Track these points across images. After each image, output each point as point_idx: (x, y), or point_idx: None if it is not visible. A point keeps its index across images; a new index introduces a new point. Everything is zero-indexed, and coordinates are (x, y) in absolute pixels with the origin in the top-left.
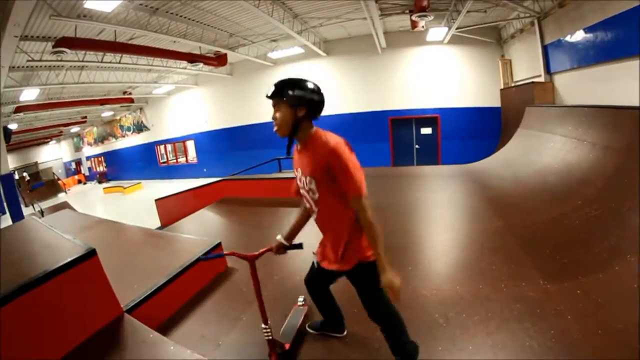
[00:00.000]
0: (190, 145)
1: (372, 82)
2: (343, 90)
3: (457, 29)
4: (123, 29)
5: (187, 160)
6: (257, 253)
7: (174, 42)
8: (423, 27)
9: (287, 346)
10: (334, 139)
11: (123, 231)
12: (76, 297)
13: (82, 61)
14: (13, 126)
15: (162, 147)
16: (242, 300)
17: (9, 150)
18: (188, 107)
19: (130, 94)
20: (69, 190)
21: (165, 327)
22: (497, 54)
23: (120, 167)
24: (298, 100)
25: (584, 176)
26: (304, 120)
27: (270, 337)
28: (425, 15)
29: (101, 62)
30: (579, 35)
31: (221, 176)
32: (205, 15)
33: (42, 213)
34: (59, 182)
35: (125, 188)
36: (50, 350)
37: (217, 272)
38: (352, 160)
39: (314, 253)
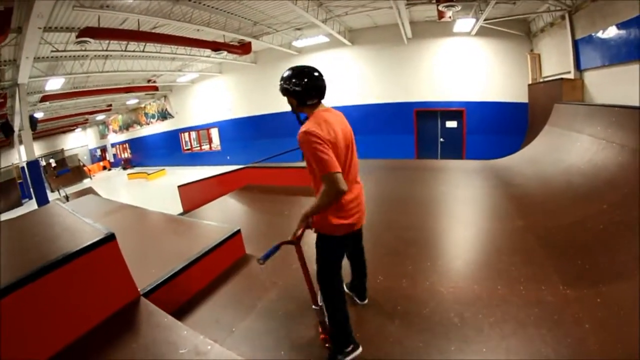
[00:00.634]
0: (214, 133)
1: (397, 72)
2: (368, 81)
3: (485, 20)
4: (146, 18)
5: (210, 148)
6: (298, 234)
7: (198, 30)
8: (450, 17)
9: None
10: (305, 126)
11: (144, 216)
12: (94, 279)
13: (106, 50)
14: (39, 115)
15: (186, 134)
16: (259, 288)
17: (36, 138)
18: (212, 95)
19: (154, 82)
20: (94, 176)
21: (181, 311)
22: (526, 48)
23: (144, 154)
24: (284, 92)
25: (611, 179)
26: (301, 107)
27: (323, 319)
28: (452, 6)
29: (125, 50)
30: (612, 31)
31: (244, 164)
32: (228, 3)
33: (67, 198)
34: (85, 168)
35: (149, 174)
36: (68, 331)
37: (235, 258)
38: (313, 147)
39: None
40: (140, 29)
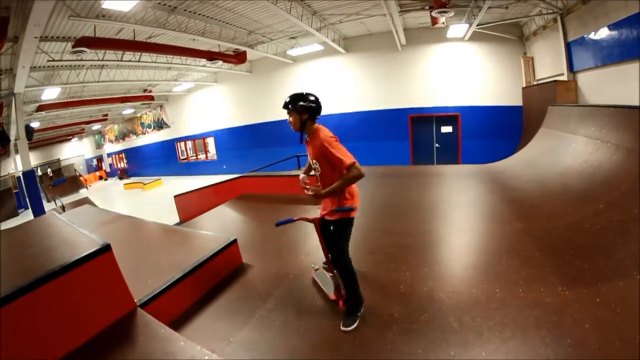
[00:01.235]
0: (210, 142)
1: (392, 79)
2: (362, 88)
3: (478, 25)
4: (141, 28)
5: (206, 157)
6: (319, 216)
7: (193, 40)
8: (443, 23)
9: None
10: (325, 134)
11: (141, 227)
12: (90, 291)
13: (102, 60)
14: (35, 124)
15: (182, 144)
16: (256, 297)
17: (32, 148)
18: (208, 105)
19: (150, 91)
20: (90, 186)
21: (179, 322)
22: (519, 52)
23: (140, 164)
24: (302, 108)
25: (606, 179)
26: (308, 121)
27: (337, 285)
28: (445, 12)
29: (121, 60)
30: (603, 33)
31: (240, 173)
32: (223, 13)
33: (63, 208)
34: (81, 178)
35: (145, 184)
36: (64, 342)
37: (232, 267)
38: (336, 146)
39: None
40: (136, 39)
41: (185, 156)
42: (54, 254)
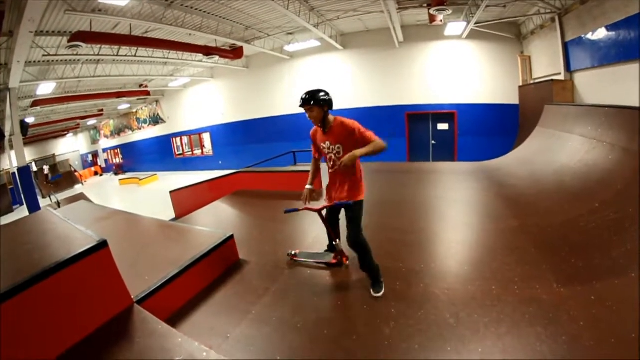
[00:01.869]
0: (206, 137)
1: (388, 76)
2: (359, 84)
3: (475, 23)
4: (138, 23)
5: (202, 153)
6: (320, 207)
7: (190, 35)
8: (441, 21)
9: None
10: (345, 120)
11: (137, 222)
12: (86, 287)
13: (98, 55)
14: (30, 120)
15: (177, 139)
16: (253, 293)
17: (27, 144)
18: (204, 100)
19: (146, 86)
20: (85, 182)
21: (176, 318)
22: (517, 50)
23: (136, 159)
24: (323, 102)
25: (602, 178)
26: (327, 113)
27: (342, 249)
28: (443, 9)
29: (117, 55)
30: (601, 33)
31: (236, 169)
32: (220, 8)
33: (58, 204)
34: (76, 174)
35: (140, 180)
36: (61, 340)
37: (229, 264)
38: (364, 127)
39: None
40: (132, 34)
41: (181, 152)
42: (50, 250)
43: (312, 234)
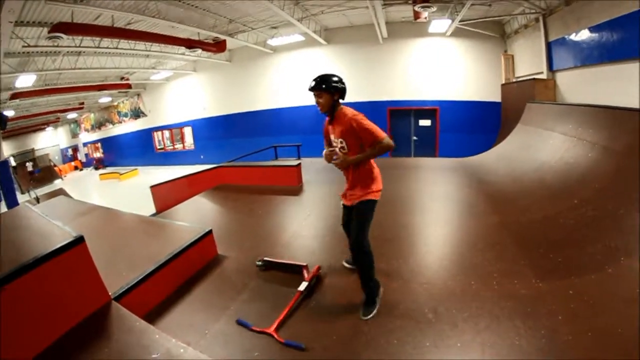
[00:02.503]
0: (188, 131)
1: (372, 72)
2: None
3: (460, 21)
4: (120, 14)
5: (184, 147)
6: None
7: (172, 27)
8: (426, 18)
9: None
10: (352, 111)
11: (116, 218)
12: (63, 284)
13: (79, 47)
14: (9, 113)
15: (159, 133)
16: (231, 289)
17: (5, 137)
18: (186, 94)
19: (127, 79)
20: (65, 176)
21: (154, 314)
22: (500, 49)
23: (116, 154)
24: (335, 88)
25: (582, 176)
26: (337, 102)
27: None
28: (428, 6)
29: (98, 47)
30: (584, 34)
31: (218, 163)
32: (204, 0)
33: (37, 200)
34: (56, 168)
35: (121, 174)
36: (39, 338)
37: (208, 259)
38: (367, 122)
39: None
40: (114, 25)
41: (162, 146)
42: (26, 247)
43: (290, 229)
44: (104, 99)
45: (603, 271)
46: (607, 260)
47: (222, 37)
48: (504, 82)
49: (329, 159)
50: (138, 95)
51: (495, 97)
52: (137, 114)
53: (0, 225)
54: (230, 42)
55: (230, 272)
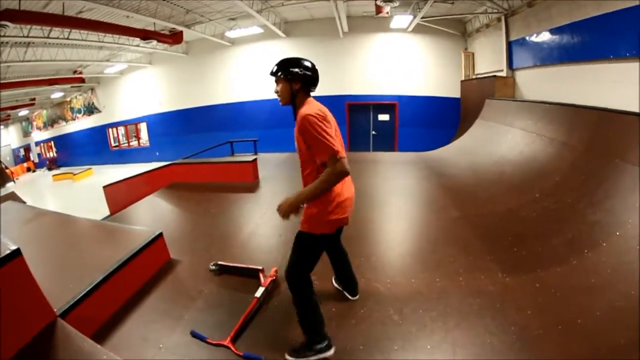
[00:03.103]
0: (143, 127)
1: (331, 66)
2: None
3: (422, 18)
4: (71, 2)
5: (139, 144)
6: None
7: (127, 17)
8: (388, 13)
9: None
10: (307, 110)
11: (63, 223)
12: None
13: (27, 37)
14: None
15: (113, 130)
16: (185, 297)
17: None
18: (141, 88)
19: (80, 73)
20: (17, 179)
21: (105, 330)
22: (461, 47)
23: (70, 152)
24: (292, 75)
25: (541, 169)
26: (300, 92)
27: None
28: (390, 1)
29: (48, 37)
30: (545, 36)
31: (174, 160)
32: None
33: None
34: (7, 171)
35: (75, 174)
36: None
37: (160, 264)
38: (320, 128)
39: None
40: (65, 14)
41: (117, 143)
42: None
43: (246, 229)
44: (56, 94)
45: (568, 264)
46: (571, 252)
47: (179, 28)
48: (463, 78)
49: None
50: (92, 90)
51: (455, 93)
52: (91, 109)
53: None
54: (187, 34)
55: (183, 278)
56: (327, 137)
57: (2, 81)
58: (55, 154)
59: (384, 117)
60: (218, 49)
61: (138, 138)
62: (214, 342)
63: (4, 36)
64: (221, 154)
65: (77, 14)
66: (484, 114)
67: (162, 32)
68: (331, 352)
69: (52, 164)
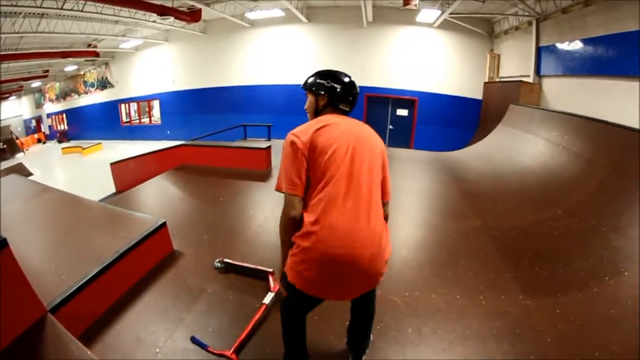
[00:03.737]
0: (155, 105)
1: (352, 55)
2: (320, 61)
3: (450, 14)
4: None
5: (150, 121)
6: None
7: None
8: (415, 6)
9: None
10: (299, 129)
11: (64, 203)
12: None
13: (40, 7)
14: None
15: (125, 105)
16: (187, 295)
17: None
18: (156, 65)
19: (95, 47)
20: (27, 150)
21: (98, 327)
22: (487, 47)
23: (81, 126)
24: (317, 89)
25: (565, 186)
26: (326, 109)
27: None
28: None
29: (61, 9)
30: (578, 45)
31: (185, 139)
32: None
33: None
34: (18, 141)
35: (84, 149)
36: None
37: (161, 256)
38: (285, 154)
39: None
40: None
41: (129, 119)
42: None
43: (255, 222)
44: (70, 67)
45: (588, 290)
46: (592, 278)
47: (198, 5)
48: (487, 80)
49: None
50: (106, 64)
51: (476, 94)
52: (104, 84)
53: None
54: (206, 12)
55: (185, 274)
56: (284, 167)
57: (15, 52)
58: (66, 127)
59: (402, 112)
60: (237, 30)
61: (150, 115)
62: (216, 352)
63: (16, 6)
64: (233, 137)
65: None
66: (507, 120)
67: (181, 8)
68: None
69: (63, 137)
